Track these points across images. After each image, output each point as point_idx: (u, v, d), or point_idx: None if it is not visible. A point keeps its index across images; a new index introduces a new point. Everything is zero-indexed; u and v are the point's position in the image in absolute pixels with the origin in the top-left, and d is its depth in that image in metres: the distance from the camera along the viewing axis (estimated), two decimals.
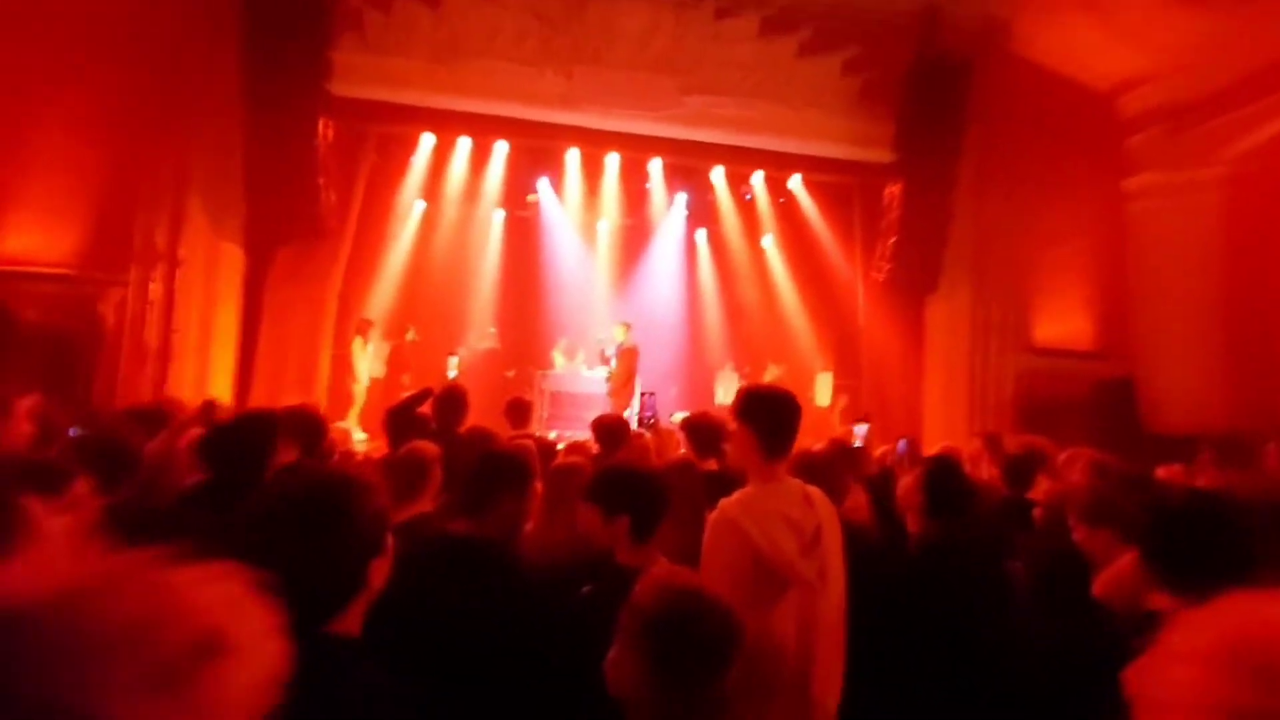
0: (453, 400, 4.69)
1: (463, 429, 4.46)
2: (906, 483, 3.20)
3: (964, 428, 9.33)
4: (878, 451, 6.22)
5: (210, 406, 6.15)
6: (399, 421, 4.74)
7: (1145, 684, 0.72)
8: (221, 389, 8.74)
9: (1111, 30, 9.28)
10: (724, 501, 2.37)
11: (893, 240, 9.82)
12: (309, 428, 3.79)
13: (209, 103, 8.87)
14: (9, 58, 8.13)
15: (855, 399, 9.92)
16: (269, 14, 8.60)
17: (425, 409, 4.86)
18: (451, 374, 9.53)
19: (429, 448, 3.18)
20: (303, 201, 8.95)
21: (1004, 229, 9.91)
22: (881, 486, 3.95)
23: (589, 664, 1.48)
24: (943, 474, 3.15)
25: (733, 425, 2.57)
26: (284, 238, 9.14)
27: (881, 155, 9.94)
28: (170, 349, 8.77)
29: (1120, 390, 9.58)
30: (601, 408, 9.00)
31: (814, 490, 2.49)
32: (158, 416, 4.53)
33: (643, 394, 5.18)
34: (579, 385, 9.57)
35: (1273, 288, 9.30)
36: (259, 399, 8.74)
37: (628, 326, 9.34)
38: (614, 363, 8.96)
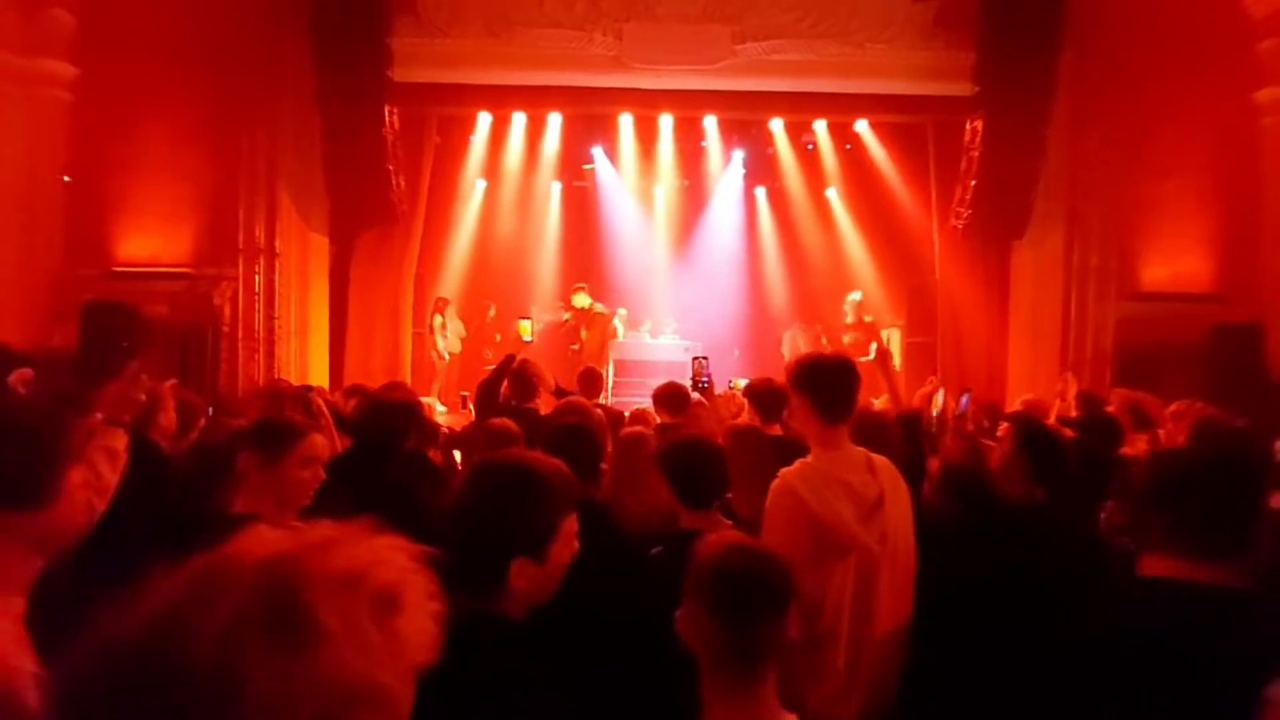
0: (523, 378, 5.01)
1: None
2: (1004, 453, 3.09)
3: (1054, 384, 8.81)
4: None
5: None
6: (485, 394, 5.15)
7: None
8: (318, 369, 9.81)
9: None
10: (784, 471, 2.49)
11: (973, 183, 9.17)
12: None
13: (289, 102, 9.64)
14: (116, 81, 9.21)
15: (929, 357, 9.52)
16: (331, 8, 9.13)
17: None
18: (526, 338, 10.00)
19: (510, 426, 3.49)
20: (376, 189, 9.64)
21: (1107, 161, 9.00)
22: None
23: (659, 618, 1.67)
24: (1045, 439, 3.09)
25: (791, 397, 2.70)
26: (363, 225, 9.93)
27: (960, 88, 9.20)
28: (274, 335, 9.88)
29: (1243, 336, 8.60)
30: (664, 375, 9.26)
31: (879, 458, 2.55)
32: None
33: (695, 358, 5.43)
34: (642, 353, 9.82)
35: None
36: (351, 378, 9.72)
37: (584, 289, 9.42)
38: (583, 332, 9.06)
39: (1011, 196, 9.16)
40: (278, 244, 9.88)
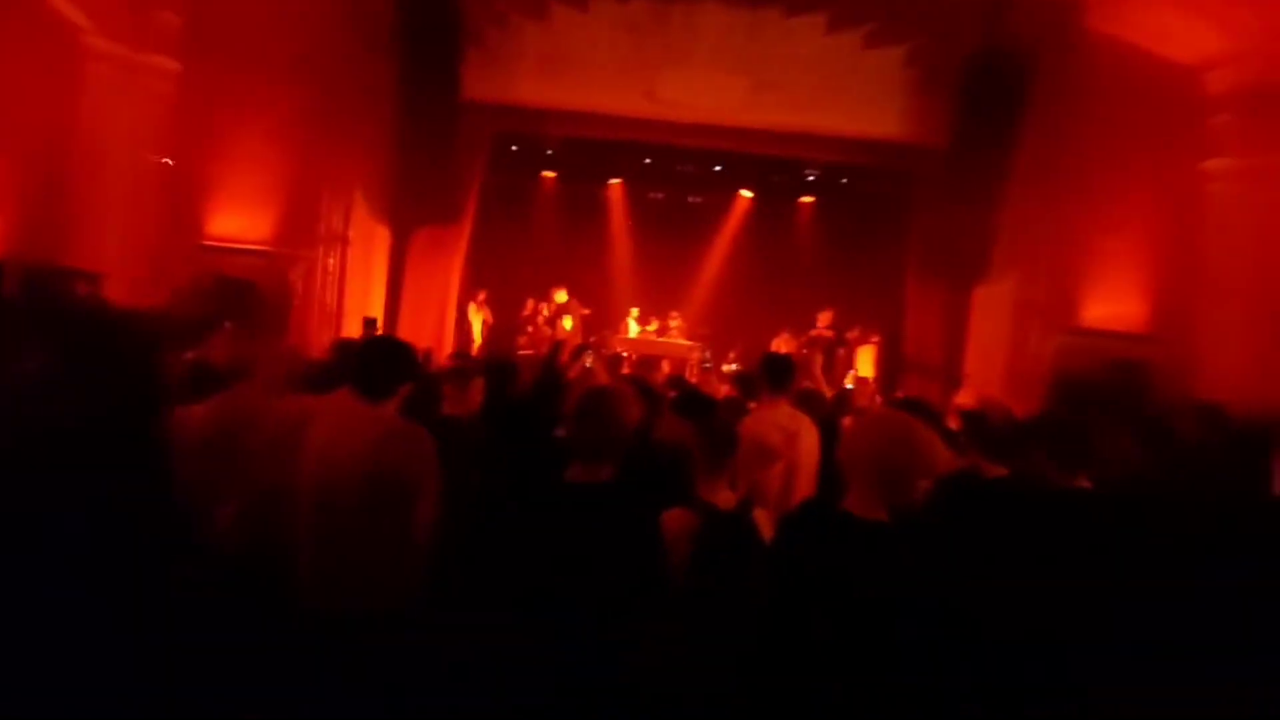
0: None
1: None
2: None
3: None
4: None
5: None
6: (544, 371, 4.65)
7: None
8: None
9: (1192, 8, 6.84)
10: (744, 419, 3.21)
11: (941, 225, 8.01)
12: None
13: (370, 110, 8.42)
14: (215, 78, 7.89)
15: (899, 371, 8.33)
16: (415, 37, 7.96)
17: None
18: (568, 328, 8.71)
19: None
20: (437, 191, 8.42)
21: (1059, 213, 7.81)
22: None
23: None
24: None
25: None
26: (422, 221, 8.70)
27: (939, 142, 8.04)
28: (343, 310, 8.64)
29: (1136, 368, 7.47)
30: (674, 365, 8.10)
31: (799, 412, 3.33)
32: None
33: (700, 348, 4.86)
34: (654, 348, 8.56)
35: None
36: None
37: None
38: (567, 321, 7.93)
39: (974, 238, 8.00)
40: (350, 232, 8.63)
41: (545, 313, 9.15)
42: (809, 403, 3.67)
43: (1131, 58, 7.36)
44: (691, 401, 3.14)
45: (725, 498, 2.18)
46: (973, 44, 7.68)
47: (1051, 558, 1.98)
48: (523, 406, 3.48)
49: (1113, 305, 7.83)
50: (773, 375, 3.33)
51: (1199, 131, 7.38)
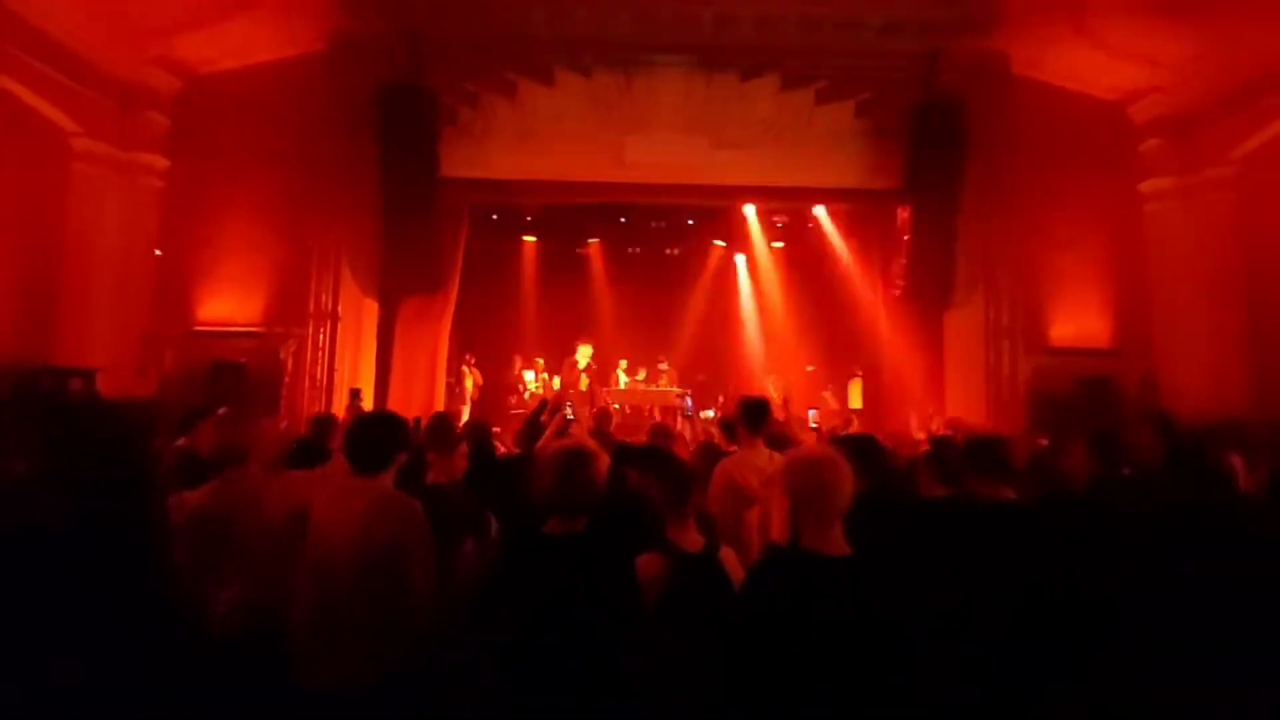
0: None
1: None
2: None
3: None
4: None
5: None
6: (527, 429, 4.68)
7: None
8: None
9: (1109, 50, 7.23)
10: (722, 460, 3.33)
11: (904, 260, 8.20)
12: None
13: (353, 191, 8.53)
14: (202, 172, 8.08)
15: (880, 401, 8.35)
16: (394, 120, 8.13)
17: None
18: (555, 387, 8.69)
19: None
20: (421, 263, 8.47)
21: (1014, 240, 8.03)
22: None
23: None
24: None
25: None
26: (408, 292, 8.72)
27: (892, 184, 8.30)
28: (333, 383, 8.54)
29: (1103, 384, 7.59)
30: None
31: (775, 453, 3.28)
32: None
33: (684, 394, 4.76)
34: (638, 397, 8.57)
35: None
36: None
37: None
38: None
39: (936, 270, 8.19)
40: (339, 309, 8.61)
41: (539, 368, 9.10)
42: (778, 443, 3.71)
43: (1059, 96, 7.77)
44: (641, 455, 3.22)
45: (693, 539, 2.27)
46: (915, 94, 8.04)
47: (959, 565, 2.10)
48: (504, 468, 3.49)
49: (1077, 324, 8.00)
50: (749, 418, 3.36)
51: (1132, 157, 7.72)
